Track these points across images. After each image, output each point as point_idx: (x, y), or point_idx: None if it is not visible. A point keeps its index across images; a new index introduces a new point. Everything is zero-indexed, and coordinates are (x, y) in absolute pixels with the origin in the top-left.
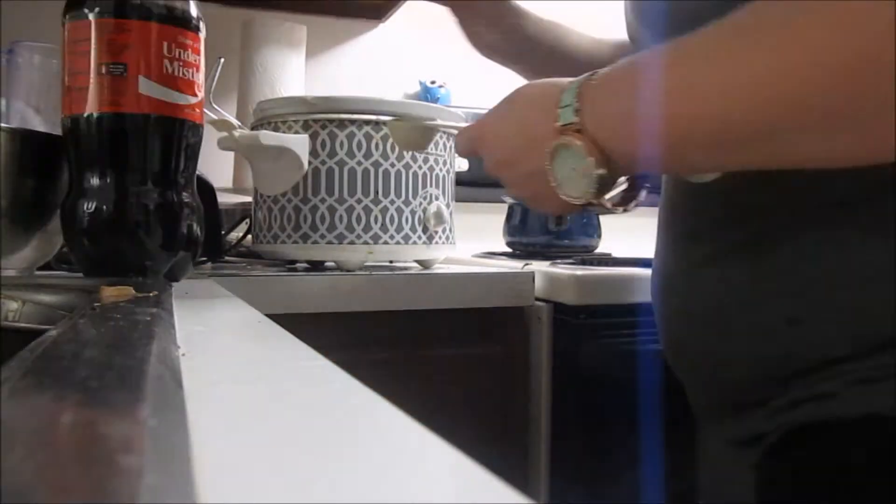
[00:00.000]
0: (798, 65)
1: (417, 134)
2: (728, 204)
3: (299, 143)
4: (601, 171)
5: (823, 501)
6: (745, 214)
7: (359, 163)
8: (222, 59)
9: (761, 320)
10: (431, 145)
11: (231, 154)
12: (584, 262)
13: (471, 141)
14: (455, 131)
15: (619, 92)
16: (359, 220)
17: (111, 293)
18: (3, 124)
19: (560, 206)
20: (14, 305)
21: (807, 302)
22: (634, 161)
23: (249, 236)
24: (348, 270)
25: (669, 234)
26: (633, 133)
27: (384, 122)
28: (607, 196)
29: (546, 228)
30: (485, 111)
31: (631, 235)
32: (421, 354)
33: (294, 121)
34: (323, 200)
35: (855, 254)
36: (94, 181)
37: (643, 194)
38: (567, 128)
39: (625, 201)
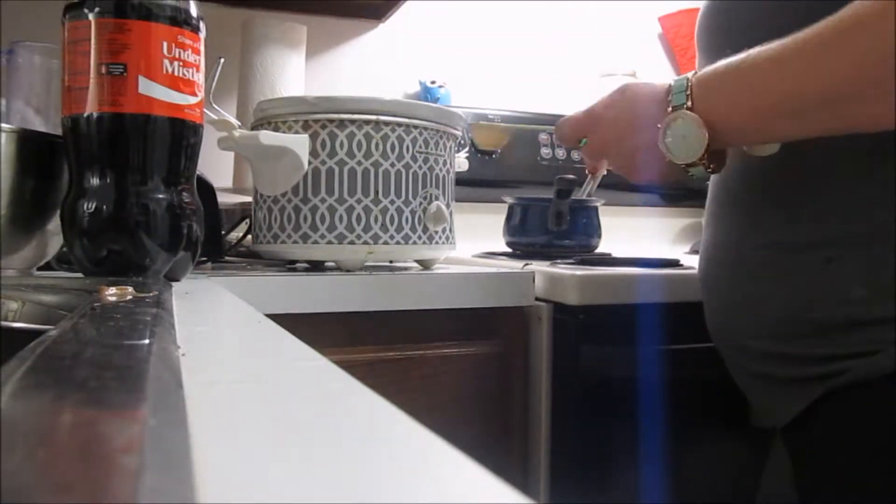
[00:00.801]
0: (847, 54)
1: (496, 134)
2: (777, 171)
3: (299, 143)
4: (706, 135)
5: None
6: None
7: (359, 163)
8: (222, 59)
9: (801, 264)
10: (432, 145)
11: (231, 154)
12: (584, 262)
13: (578, 124)
14: (531, 131)
15: (720, 80)
16: (359, 220)
17: (111, 293)
18: (3, 124)
19: (661, 173)
20: (14, 305)
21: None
22: (732, 131)
23: (249, 236)
24: (348, 270)
25: (725, 213)
26: (732, 109)
27: (385, 123)
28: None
29: (546, 228)
30: (484, 111)
31: (631, 235)
32: (421, 354)
33: (294, 121)
34: (323, 200)
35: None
36: (94, 181)
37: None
38: (679, 107)
39: (717, 166)
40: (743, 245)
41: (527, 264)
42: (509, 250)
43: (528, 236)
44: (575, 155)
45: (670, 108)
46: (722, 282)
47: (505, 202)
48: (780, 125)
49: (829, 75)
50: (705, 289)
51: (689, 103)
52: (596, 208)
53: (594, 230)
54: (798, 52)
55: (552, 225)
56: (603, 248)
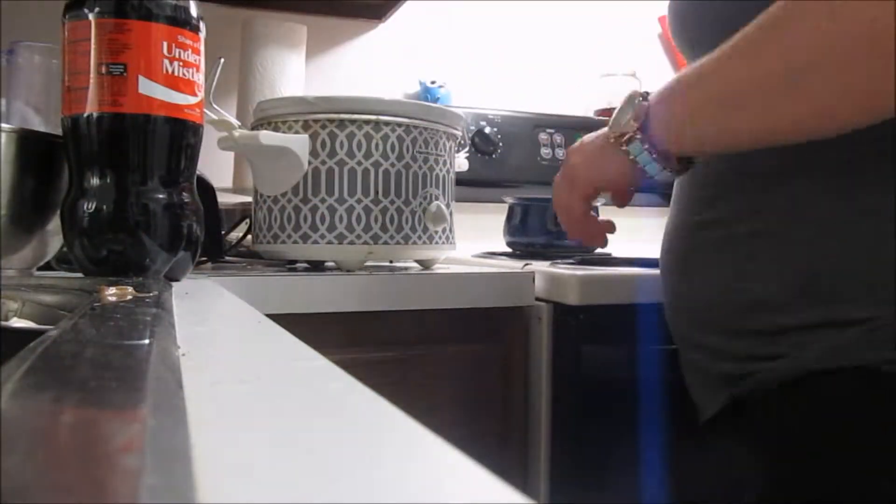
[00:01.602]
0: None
1: None
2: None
3: (299, 143)
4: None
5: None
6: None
7: (359, 163)
8: (222, 59)
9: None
10: (432, 145)
11: (231, 154)
12: (584, 262)
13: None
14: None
15: (667, 92)
16: (359, 220)
17: (111, 293)
18: (3, 124)
19: (624, 172)
20: (14, 305)
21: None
22: (689, 135)
23: (249, 236)
24: (348, 270)
25: (680, 202)
26: (682, 110)
27: (385, 123)
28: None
29: (546, 228)
30: (484, 111)
31: (631, 236)
32: (421, 354)
33: (294, 121)
34: (323, 200)
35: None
36: (94, 181)
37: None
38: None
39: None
40: (674, 226)
41: (527, 264)
42: (509, 250)
43: (528, 236)
44: None
45: (619, 137)
46: (667, 270)
47: (505, 202)
48: (718, 123)
49: (754, 67)
50: (661, 277)
51: (637, 124)
52: (596, 208)
53: None
54: (728, 49)
55: (552, 225)
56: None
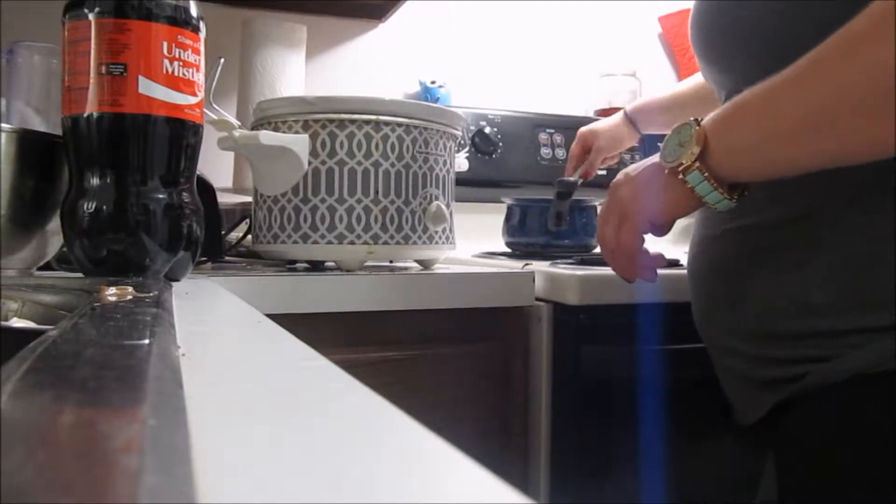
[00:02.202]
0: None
1: None
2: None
3: (299, 143)
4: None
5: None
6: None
7: (359, 163)
8: (222, 59)
9: (772, 266)
10: (432, 145)
11: (231, 154)
12: (583, 262)
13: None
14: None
15: (732, 118)
16: (359, 220)
17: (111, 293)
18: (3, 124)
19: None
20: (14, 305)
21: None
22: (754, 163)
23: (249, 236)
24: (348, 270)
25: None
26: (751, 139)
27: (385, 123)
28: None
29: (545, 228)
30: (484, 111)
31: None
32: (421, 354)
33: (294, 121)
34: (323, 200)
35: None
36: (94, 181)
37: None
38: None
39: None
40: (708, 240)
41: (527, 264)
42: (509, 250)
43: (528, 236)
44: None
45: (675, 168)
46: (701, 277)
47: (504, 203)
48: (794, 148)
49: (834, 89)
50: (690, 284)
51: (697, 150)
52: (595, 208)
53: (593, 230)
54: (802, 71)
55: (552, 225)
56: None
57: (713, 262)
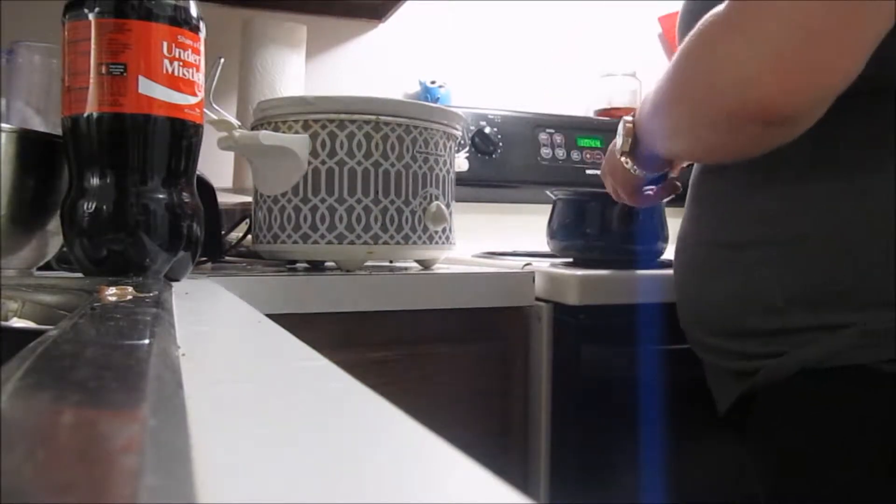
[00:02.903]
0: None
1: None
2: (719, 173)
3: (299, 143)
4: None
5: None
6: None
7: (359, 163)
8: (222, 59)
9: (732, 265)
10: (431, 145)
11: (231, 154)
12: (583, 263)
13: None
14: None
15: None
16: (359, 220)
17: (111, 293)
18: (3, 124)
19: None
20: (14, 305)
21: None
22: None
23: (249, 236)
24: (348, 270)
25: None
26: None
27: (385, 123)
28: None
29: (607, 228)
30: (484, 111)
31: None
32: (421, 354)
33: (294, 121)
34: (323, 200)
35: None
36: (94, 181)
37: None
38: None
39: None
40: (688, 241)
41: (527, 264)
42: (553, 258)
43: (584, 240)
44: (574, 155)
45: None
46: (678, 275)
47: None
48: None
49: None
50: (674, 281)
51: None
52: (662, 209)
53: (666, 232)
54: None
55: (619, 225)
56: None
57: (689, 262)
